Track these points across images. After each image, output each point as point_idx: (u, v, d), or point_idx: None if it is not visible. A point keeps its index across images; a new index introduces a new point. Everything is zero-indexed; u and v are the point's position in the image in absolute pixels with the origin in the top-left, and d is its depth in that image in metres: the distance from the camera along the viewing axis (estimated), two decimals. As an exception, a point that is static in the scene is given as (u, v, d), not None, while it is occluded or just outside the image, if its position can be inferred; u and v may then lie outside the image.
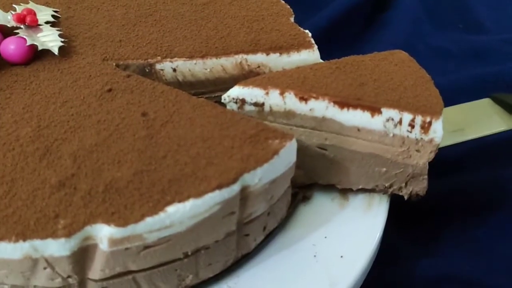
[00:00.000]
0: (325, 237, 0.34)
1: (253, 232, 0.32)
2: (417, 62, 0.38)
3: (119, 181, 0.27)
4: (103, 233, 0.25)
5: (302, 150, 0.34)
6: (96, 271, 0.27)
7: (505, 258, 0.42)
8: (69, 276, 0.26)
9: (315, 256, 0.33)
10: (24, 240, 0.24)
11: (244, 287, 0.31)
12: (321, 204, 0.36)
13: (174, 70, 0.37)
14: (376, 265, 0.35)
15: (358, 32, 0.71)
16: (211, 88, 0.38)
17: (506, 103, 0.45)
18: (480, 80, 0.59)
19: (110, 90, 0.33)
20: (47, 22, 0.38)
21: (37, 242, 0.25)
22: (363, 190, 0.37)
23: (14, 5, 0.38)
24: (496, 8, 0.74)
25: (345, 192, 0.37)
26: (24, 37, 0.35)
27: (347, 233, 0.35)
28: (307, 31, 0.39)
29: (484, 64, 0.64)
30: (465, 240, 0.43)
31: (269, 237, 0.34)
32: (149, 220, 0.26)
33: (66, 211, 0.25)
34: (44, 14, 0.38)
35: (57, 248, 0.25)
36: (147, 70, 0.36)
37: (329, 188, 0.37)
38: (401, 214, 0.42)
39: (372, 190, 0.37)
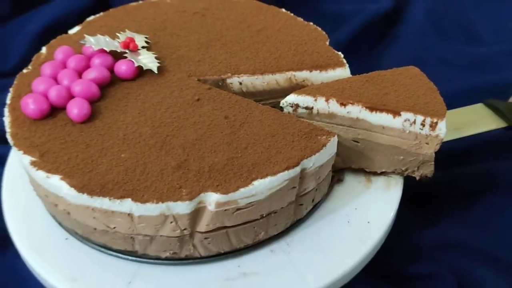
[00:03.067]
0: (356, 209, 0.43)
1: (305, 202, 0.41)
2: (424, 71, 0.44)
3: (218, 164, 0.37)
4: (212, 199, 0.35)
5: (340, 142, 0.42)
6: (202, 225, 0.37)
7: (495, 228, 0.50)
8: (185, 229, 0.36)
9: (348, 222, 0.42)
10: (162, 202, 0.35)
11: (297, 244, 0.40)
12: (351, 185, 0.45)
13: (240, 83, 0.46)
14: (392, 231, 0.43)
15: (373, 45, 0.77)
16: (267, 97, 0.47)
17: (495, 107, 0.53)
18: (477, 87, 0.65)
19: (198, 99, 0.42)
20: (143, 47, 0.47)
21: (171, 204, 0.35)
22: (384, 174, 0.45)
23: (117, 34, 0.48)
24: (494, 23, 0.78)
25: (370, 175, 0.46)
26: (132, 59, 0.45)
27: (372, 206, 0.43)
28: (339, 52, 0.48)
29: (481, 73, 0.69)
30: (463, 214, 0.51)
31: (315, 207, 0.43)
32: (242, 190, 0.36)
33: (186, 184, 0.36)
34: (139, 40, 0.47)
35: (182, 208, 0.35)
36: (220, 84, 0.46)
37: (357, 172, 0.46)
38: (412, 195, 0.48)
39: (391, 173, 0.45)
